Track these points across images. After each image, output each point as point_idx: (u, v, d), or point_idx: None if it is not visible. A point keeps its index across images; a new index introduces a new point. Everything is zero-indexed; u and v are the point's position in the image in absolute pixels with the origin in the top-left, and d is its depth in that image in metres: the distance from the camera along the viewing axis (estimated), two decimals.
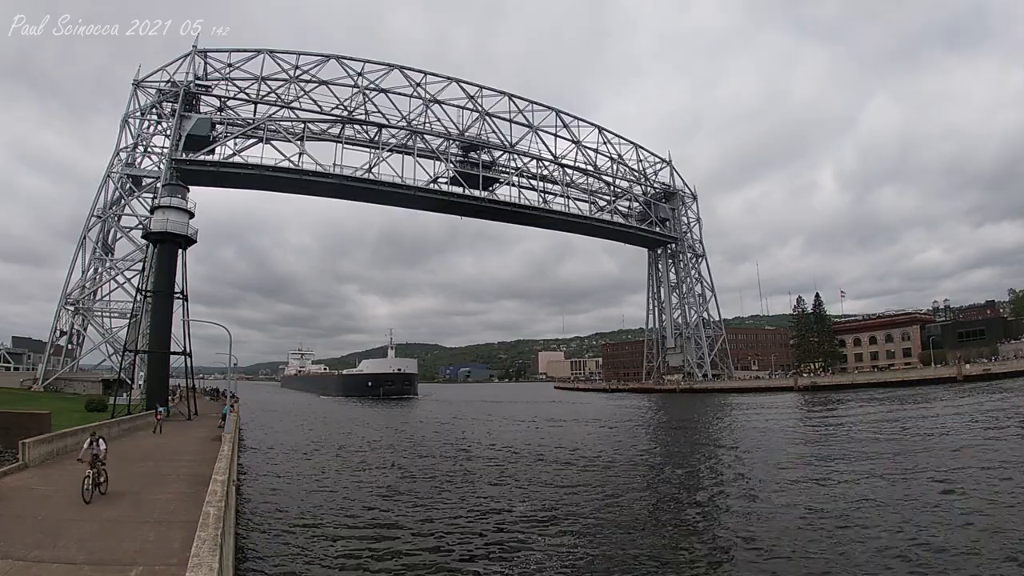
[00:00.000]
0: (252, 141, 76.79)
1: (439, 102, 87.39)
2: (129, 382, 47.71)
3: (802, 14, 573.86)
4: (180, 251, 39.03)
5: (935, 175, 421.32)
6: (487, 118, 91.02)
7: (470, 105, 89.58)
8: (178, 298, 38.33)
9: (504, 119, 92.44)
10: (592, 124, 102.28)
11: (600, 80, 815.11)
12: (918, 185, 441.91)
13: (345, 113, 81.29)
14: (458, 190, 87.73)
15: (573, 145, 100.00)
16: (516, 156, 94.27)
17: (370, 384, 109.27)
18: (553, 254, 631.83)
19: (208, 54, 76.26)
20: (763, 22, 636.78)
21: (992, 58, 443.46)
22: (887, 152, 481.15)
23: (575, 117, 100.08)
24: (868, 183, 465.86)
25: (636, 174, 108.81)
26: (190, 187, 45.80)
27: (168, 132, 71.43)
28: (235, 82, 78.00)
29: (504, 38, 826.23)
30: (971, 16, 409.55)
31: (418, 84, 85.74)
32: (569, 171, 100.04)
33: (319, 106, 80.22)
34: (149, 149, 72.54)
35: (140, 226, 62.14)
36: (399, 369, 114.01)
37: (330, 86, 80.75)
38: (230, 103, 77.91)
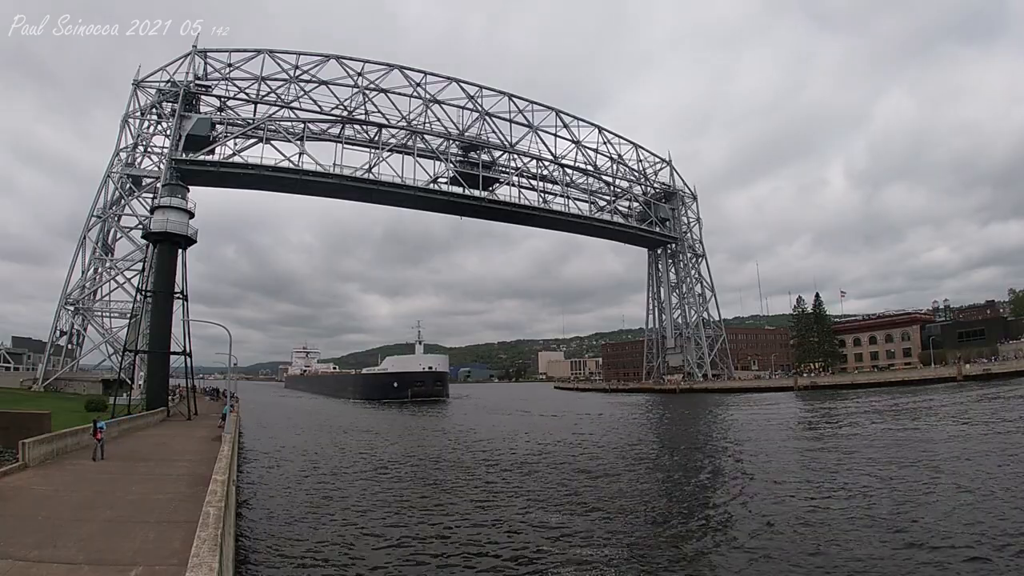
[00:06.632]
0: (252, 141, 76.82)
1: (439, 102, 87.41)
2: (129, 382, 47.76)
3: (819, 6, 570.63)
4: (180, 251, 39.08)
5: (945, 172, 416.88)
6: (487, 118, 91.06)
7: (470, 105, 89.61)
8: (178, 298, 38.35)
9: (504, 119, 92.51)
10: (592, 124, 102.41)
11: (611, 74, 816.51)
12: (927, 183, 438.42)
13: (345, 113, 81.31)
14: (458, 190, 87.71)
15: (573, 145, 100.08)
16: (516, 156, 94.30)
17: (396, 385, 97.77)
18: (559, 252, 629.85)
19: (208, 54, 76.29)
20: (779, 13, 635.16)
21: (1008, 51, 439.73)
22: (898, 148, 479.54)
23: (575, 117, 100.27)
24: (878, 180, 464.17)
25: (636, 174, 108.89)
26: (190, 187, 45.87)
27: (168, 132, 71.45)
28: (235, 82, 78.03)
29: (517, 28, 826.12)
30: (990, 7, 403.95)
31: (418, 84, 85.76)
32: (569, 171, 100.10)
33: (319, 106, 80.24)
34: (149, 149, 72.60)
35: (140, 226, 62.11)
36: (430, 367, 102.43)
37: (330, 86, 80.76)
38: (230, 103, 77.92)
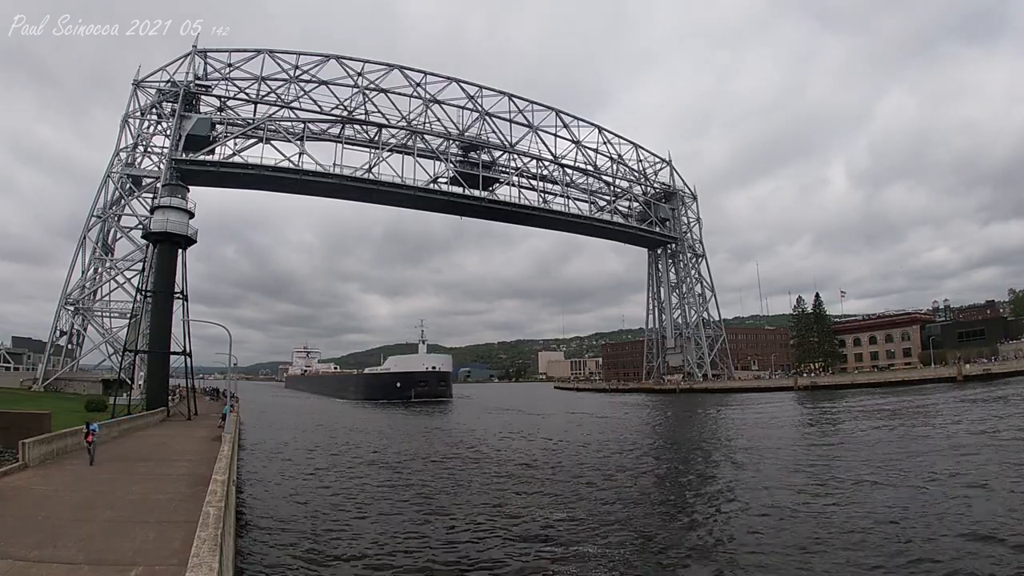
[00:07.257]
0: (252, 141, 76.85)
1: (439, 102, 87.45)
2: (129, 382, 47.76)
3: (820, 5, 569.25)
4: (180, 251, 39.07)
5: (945, 172, 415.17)
6: (487, 118, 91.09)
7: (470, 105, 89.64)
8: (178, 298, 38.33)
9: (504, 119, 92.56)
10: (592, 124, 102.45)
11: (612, 74, 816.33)
12: (928, 183, 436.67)
13: (345, 113, 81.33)
14: (458, 190, 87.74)
15: (573, 145, 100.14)
16: (516, 156, 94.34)
17: (399, 385, 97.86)
18: (559, 252, 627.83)
19: (208, 54, 76.31)
20: (780, 13, 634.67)
21: (1009, 51, 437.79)
22: (899, 147, 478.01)
23: (575, 117, 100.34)
24: (879, 180, 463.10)
25: (636, 174, 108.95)
26: (190, 187, 45.85)
27: (168, 132, 71.49)
28: (235, 82, 78.05)
29: (517, 28, 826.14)
30: (990, 6, 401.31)
31: (418, 84, 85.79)
32: (569, 171, 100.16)
33: (319, 106, 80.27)
34: (149, 149, 72.64)
35: (140, 226, 62.11)
36: (433, 367, 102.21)
37: (330, 86, 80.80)
38: (230, 103, 77.94)
